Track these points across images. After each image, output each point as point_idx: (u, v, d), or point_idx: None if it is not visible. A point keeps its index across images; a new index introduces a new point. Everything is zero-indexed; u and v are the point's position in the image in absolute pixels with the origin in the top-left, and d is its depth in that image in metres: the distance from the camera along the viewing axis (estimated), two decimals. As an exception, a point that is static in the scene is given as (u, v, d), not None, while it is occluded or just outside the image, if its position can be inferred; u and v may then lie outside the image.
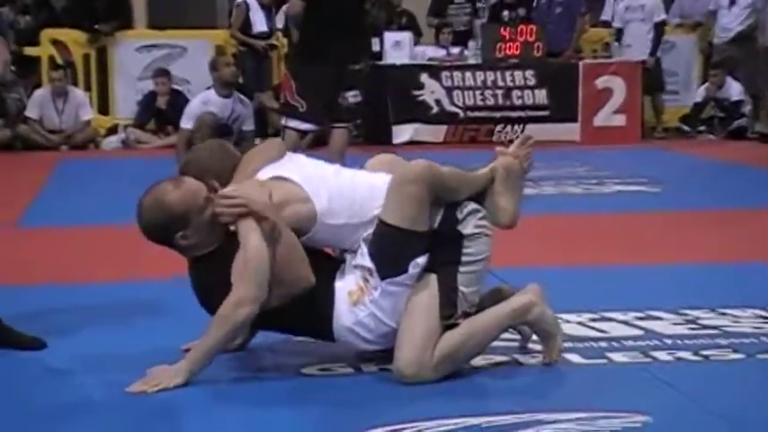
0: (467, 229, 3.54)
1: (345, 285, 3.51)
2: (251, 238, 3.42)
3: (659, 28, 12.12)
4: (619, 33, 12.25)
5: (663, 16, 12.17)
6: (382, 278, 3.47)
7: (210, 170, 3.64)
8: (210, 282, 3.50)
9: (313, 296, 3.48)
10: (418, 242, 3.46)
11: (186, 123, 8.26)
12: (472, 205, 3.59)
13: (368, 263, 3.48)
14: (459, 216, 3.55)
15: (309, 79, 7.28)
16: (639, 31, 12.04)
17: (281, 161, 3.72)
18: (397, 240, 3.45)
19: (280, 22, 12.07)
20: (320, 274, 3.49)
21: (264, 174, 3.64)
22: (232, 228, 3.50)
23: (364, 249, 3.50)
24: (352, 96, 7.13)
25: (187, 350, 3.64)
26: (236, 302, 3.40)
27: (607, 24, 13.17)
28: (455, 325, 3.49)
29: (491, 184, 3.67)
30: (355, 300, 3.49)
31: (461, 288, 3.50)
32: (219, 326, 3.43)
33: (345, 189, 3.59)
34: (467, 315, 3.53)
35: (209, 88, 10.93)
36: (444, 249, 3.51)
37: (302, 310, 3.49)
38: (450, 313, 3.48)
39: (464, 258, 3.52)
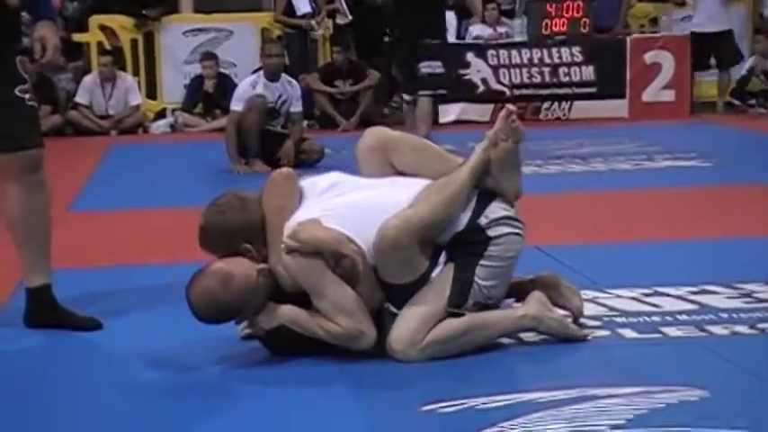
0: (493, 231, 3.51)
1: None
2: (324, 279, 3.39)
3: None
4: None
5: None
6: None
7: (237, 231, 3.51)
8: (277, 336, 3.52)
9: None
10: (426, 273, 3.48)
11: (236, 106, 8.32)
12: (500, 212, 3.54)
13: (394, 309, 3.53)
14: (484, 222, 3.51)
15: (396, 55, 8.76)
16: (706, 3, 11.75)
17: (308, 200, 3.59)
18: (410, 290, 3.48)
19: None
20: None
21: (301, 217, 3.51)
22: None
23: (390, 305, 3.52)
24: (425, 67, 8.07)
25: (245, 336, 3.69)
26: (348, 336, 3.41)
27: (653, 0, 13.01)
28: (461, 315, 3.48)
29: (484, 171, 3.57)
30: None
31: (478, 280, 3.48)
32: (325, 333, 3.44)
33: (358, 213, 3.52)
34: (484, 307, 3.52)
35: (256, 71, 11.02)
36: (468, 246, 3.50)
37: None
38: (459, 302, 3.47)
39: (487, 253, 3.49)
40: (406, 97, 8.57)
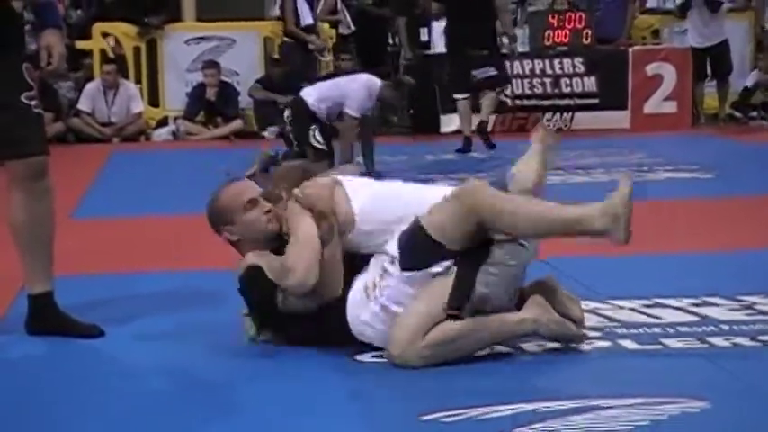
0: (497, 236, 3.53)
1: (363, 281, 3.58)
2: (302, 223, 3.59)
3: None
4: None
5: (727, 4, 11.87)
6: (402, 269, 3.52)
7: (286, 180, 3.83)
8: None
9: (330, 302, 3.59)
10: (444, 254, 3.50)
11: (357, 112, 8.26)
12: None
13: (394, 251, 3.54)
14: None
15: (453, 61, 9.78)
16: (694, 20, 11.73)
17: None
18: (426, 246, 3.50)
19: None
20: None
21: None
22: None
23: (395, 237, 3.54)
24: (481, 74, 9.45)
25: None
26: (282, 268, 3.54)
27: (654, 12, 12.99)
28: (460, 318, 3.48)
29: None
30: (368, 294, 3.55)
31: (479, 286, 3.49)
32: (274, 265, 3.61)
33: (388, 196, 3.66)
34: (484, 314, 3.51)
35: (258, 80, 11.09)
36: (471, 251, 3.52)
37: (318, 314, 3.59)
38: (459, 305, 3.48)
39: (489, 260, 3.51)
40: (458, 96, 9.67)
